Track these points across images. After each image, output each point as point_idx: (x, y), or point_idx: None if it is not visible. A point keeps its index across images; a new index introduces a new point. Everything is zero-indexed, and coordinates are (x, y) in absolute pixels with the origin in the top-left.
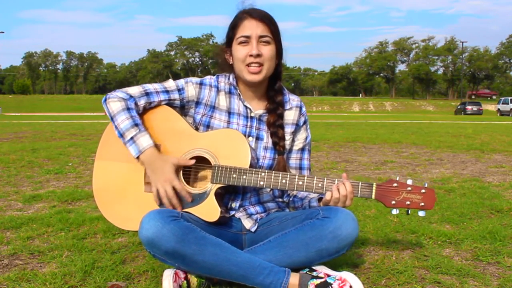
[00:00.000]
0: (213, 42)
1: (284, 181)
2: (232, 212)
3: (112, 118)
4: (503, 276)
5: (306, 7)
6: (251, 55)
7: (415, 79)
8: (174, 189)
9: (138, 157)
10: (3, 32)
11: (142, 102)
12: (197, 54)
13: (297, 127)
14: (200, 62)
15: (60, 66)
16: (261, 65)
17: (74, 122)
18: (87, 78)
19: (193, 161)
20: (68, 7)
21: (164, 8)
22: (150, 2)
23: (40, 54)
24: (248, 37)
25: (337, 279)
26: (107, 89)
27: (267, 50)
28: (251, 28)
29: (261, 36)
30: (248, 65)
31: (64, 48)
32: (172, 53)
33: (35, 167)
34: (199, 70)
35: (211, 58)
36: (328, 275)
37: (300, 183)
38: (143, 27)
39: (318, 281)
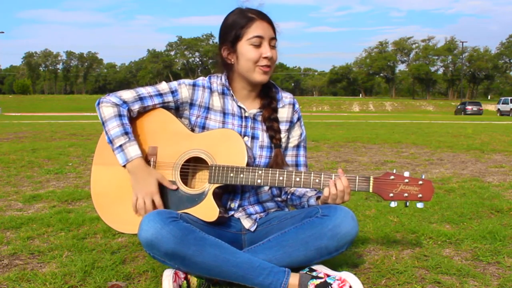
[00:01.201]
0: (213, 42)
1: (281, 178)
2: (231, 212)
3: (103, 123)
4: (503, 276)
5: (306, 7)
6: (265, 57)
7: (415, 79)
8: (153, 202)
9: (124, 166)
10: (3, 32)
11: (136, 107)
12: (197, 54)
13: (291, 124)
14: (200, 62)
15: (60, 66)
16: (269, 67)
17: (74, 122)
18: (87, 78)
19: (175, 187)
20: (68, 7)
21: (164, 8)
22: (150, 2)
23: (40, 54)
24: (262, 38)
25: (337, 279)
26: (107, 89)
27: (275, 54)
28: (264, 30)
29: (271, 39)
30: (262, 66)
31: (64, 48)
32: (172, 53)
33: (35, 167)
34: (199, 70)
35: (211, 58)
36: (328, 275)
37: (298, 179)
38: (143, 27)
39: (318, 281)
